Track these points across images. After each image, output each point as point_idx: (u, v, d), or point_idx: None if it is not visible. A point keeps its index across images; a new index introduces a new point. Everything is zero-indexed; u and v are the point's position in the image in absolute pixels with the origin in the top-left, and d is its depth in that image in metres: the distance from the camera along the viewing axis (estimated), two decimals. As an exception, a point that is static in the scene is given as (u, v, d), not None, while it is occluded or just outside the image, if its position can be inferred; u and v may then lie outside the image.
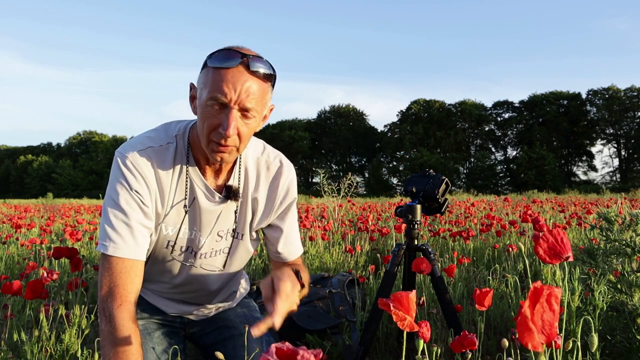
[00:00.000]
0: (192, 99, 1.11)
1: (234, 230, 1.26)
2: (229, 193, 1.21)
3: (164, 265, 1.26)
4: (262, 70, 1.05)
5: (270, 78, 1.08)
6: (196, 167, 1.17)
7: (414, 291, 0.81)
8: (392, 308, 0.79)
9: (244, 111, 1.05)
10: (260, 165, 1.25)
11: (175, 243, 1.21)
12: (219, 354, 1.00)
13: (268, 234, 1.31)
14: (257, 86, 1.05)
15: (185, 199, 1.17)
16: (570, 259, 0.86)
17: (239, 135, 1.06)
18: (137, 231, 1.09)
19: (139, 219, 1.10)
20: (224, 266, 1.31)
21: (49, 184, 55.38)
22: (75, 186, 55.71)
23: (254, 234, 1.30)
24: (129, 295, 1.06)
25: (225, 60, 1.02)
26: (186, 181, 1.17)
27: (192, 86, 1.11)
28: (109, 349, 1.00)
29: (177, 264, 1.26)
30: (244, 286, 1.54)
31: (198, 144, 1.14)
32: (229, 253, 1.29)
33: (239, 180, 1.22)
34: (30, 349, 1.37)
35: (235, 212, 1.24)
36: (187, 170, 1.16)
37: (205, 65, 1.05)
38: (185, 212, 1.18)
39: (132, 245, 1.08)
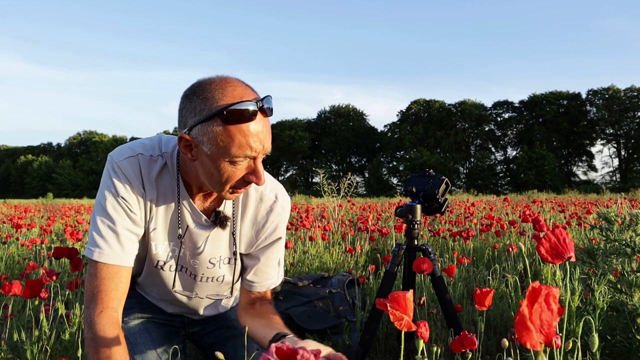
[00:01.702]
0: (189, 148, 1.03)
1: (230, 257, 1.24)
2: (217, 219, 1.18)
3: (158, 282, 1.25)
4: (272, 106, 1.02)
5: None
6: (185, 190, 1.15)
7: (411, 291, 0.81)
8: (389, 308, 0.79)
9: (265, 154, 1.04)
10: (254, 196, 1.21)
11: (165, 263, 1.20)
12: (219, 354, 1.00)
13: (244, 260, 1.28)
14: (269, 124, 1.03)
15: (179, 227, 1.16)
16: (572, 259, 0.86)
17: None
18: (123, 237, 1.08)
19: (126, 225, 1.09)
20: (223, 287, 1.30)
21: (49, 184, 55.38)
22: (76, 186, 55.70)
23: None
24: (111, 302, 1.05)
25: (246, 114, 0.96)
26: (178, 210, 1.14)
27: (186, 138, 1.02)
28: (92, 355, 1.00)
29: (170, 280, 1.25)
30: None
31: (186, 168, 1.12)
32: (223, 280, 1.28)
33: (226, 206, 1.19)
34: (30, 349, 1.37)
35: (234, 235, 1.21)
36: (178, 195, 1.13)
37: (211, 118, 0.97)
38: (181, 242, 1.16)
39: (117, 251, 1.07)
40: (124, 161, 1.09)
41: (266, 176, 1.19)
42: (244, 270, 1.27)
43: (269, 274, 1.25)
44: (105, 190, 1.09)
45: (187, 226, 1.17)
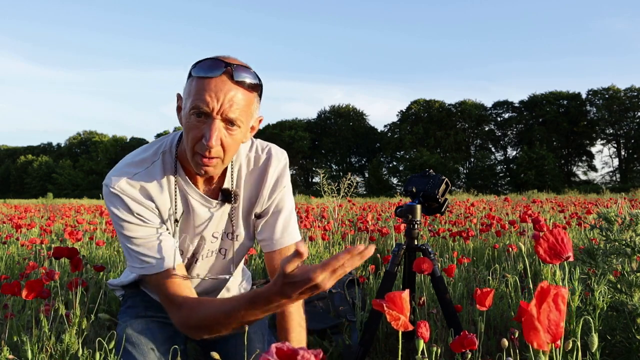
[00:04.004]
0: (179, 109, 1.09)
1: (227, 232, 1.27)
2: (225, 197, 1.21)
3: None
4: (247, 80, 1.03)
5: (256, 88, 1.06)
6: (187, 178, 1.17)
7: (407, 290, 0.81)
8: (385, 308, 0.79)
9: (227, 122, 1.03)
10: (250, 162, 1.25)
11: (182, 253, 1.25)
12: (215, 354, 1.00)
13: (258, 225, 1.30)
14: (241, 96, 1.03)
15: (175, 212, 1.18)
16: (571, 259, 0.86)
17: (222, 147, 1.05)
18: (157, 245, 1.13)
19: (152, 237, 1.14)
20: (223, 262, 1.33)
21: (49, 184, 55.36)
22: (76, 186, 55.67)
23: (251, 227, 1.31)
24: (178, 297, 1.12)
25: (209, 70, 1.00)
26: (175, 195, 1.17)
27: (178, 97, 1.10)
28: (219, 324, 1.05)
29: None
30: (244, 286, 1.55)
31: (184, 151, 1.14)
32: (225, 254, 1.31)
33: (232, 182, 1.23)
34: (30, 348, 1.37)
35: (230, 215, 1.25)
36: (175, 184, 1.17)
37: (189, 74, 1.04)
38: (176, 226, 1.19)
39: (159, 261, 1.13)
40: (120, 183, 1.12)
41: (255, 141, 1.27)
42: (256, 231, 1.29)
43: (281, 227, 1.26)
44: (118, 216, 1.12)
45: (198, 214, 1.20)
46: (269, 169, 1.24)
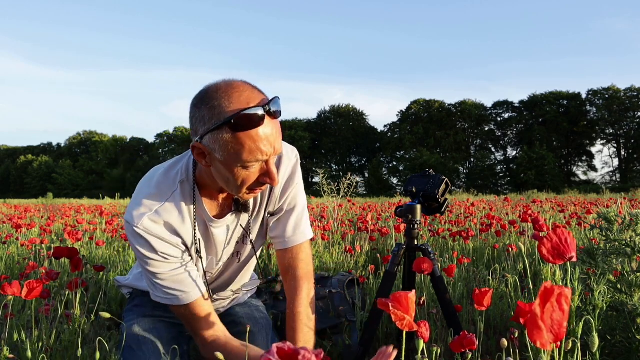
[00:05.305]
0: (202, 155, 1.05)
1: (243, 237, 1.29)
2: (238, 206, 1.21)
3: None
4: (280, 109, 1.03)
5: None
6: (205, 206, 1.18)
7: (414, 291, 0.81)
8: (391, 308, 0.79)
9: (276, 155, 1.07)
10: None
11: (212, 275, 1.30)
12: (219, 355, 1.00)
13: (271, 223, 1.31)
14: (278, 125, 1.04)
15: (196, 243, 1.19)
16: (574, 260, 0.86)
17: None
18: (180, 278, 1.15)
19: (177, 270, 1.15)
20: (237, 266, 1.36)
21: (49, 184, 55.33)
22: (76, 186, 55.64)
23: (264, 226, 1.32)
24: (206, 331, 1.16)
25: (254, 119, 0.96)
26: (195, 224, 1.18)
27: (198, 146, 1.02)
28: None
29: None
30: (249, 288, 1.57)
31: (206, 181, 1.15)
32: (239, 257, 1.34)
33: None
34: (30, 348, 1.37)
35: (245, 226, 1.27)
36: (195, 214, 1.17)
37: (220, 127, 0.96)
38: (199, 256, 1.21)
39: (183, 294, 1.15)
40: (144, 221, 1.11)
41: None
42: (270, 230, 1.30)
43: (293, 225, 1.27)
44: (142, 253, 1.12)
45: (217, 237, 1.23)
46: (280, 168, 1.24)
